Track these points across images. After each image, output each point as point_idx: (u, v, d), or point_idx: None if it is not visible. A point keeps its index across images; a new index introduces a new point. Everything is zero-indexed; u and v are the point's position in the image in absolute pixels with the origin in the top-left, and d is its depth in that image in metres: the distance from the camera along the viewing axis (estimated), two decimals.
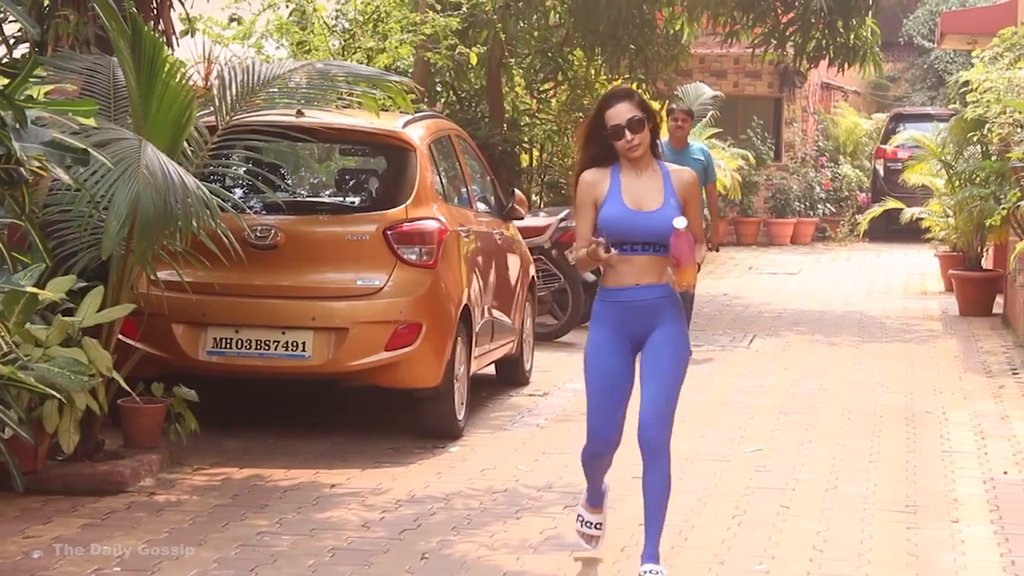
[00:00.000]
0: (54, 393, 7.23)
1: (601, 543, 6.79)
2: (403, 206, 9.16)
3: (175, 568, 6.46)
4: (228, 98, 8.62)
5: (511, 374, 11.44)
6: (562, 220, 13.85)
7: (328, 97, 8.97)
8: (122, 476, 7.86)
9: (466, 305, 9.42)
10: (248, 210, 8.93)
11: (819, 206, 28.31)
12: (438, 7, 15.96)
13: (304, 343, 8.86)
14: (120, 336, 8.20)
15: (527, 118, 19.38)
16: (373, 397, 9.92)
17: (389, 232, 9.03)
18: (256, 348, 8.88)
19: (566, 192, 18.65)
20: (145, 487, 7.90)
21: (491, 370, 11.17)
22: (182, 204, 7.59)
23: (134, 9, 8.11)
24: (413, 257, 9.03)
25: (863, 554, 6.98)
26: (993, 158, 16.62)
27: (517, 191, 11.34)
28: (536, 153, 19.79)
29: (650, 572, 6.25)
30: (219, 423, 9.17)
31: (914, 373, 12.68)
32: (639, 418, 6.29)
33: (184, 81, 8.03)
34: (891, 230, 25.57)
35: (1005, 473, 8.81)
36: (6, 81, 6.93)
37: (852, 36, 18.07)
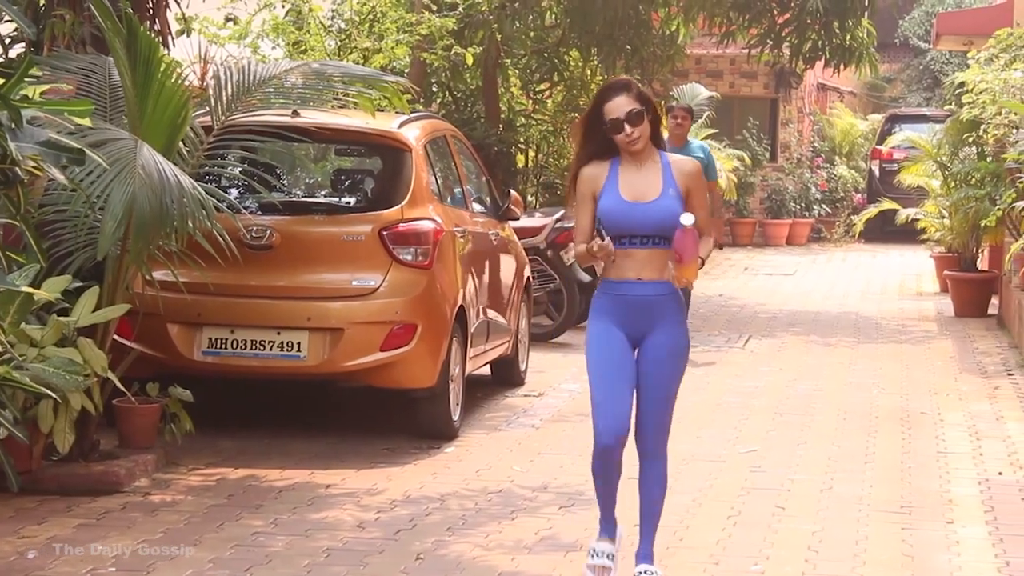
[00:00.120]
0: (49, 393, 7.23)
1: None
2: (399, 207, 9.15)
3: (170, 568, 6.46)
4: (224, 98, 8.63)
5: (506, 375, 11.43)
6: (558, 221, 13.85)
7: (324, 97, 8.96)
8: (117, 476, 7.85)
9: (461, 306, 9.42)
10: (244, 210, 8.93)
11: (815, 207, 28.30)
12: (434, 7, 15.98)
13: (299, 343, 8.85)
14: (115, 336, 8.20)
15: (523, 119, 19.38)
16: (368, 397, 9.92)
17: (385, 232, 9.03)
18: (251, 348, 8.87)
19: (562, 193, 18.64)
20: (140, 487, 7.89)
21: (486, 371, 11.16)
22: (178, 204, 7.58)
23: (130, 9, 8.11)
24: (409, 257, 9.02)
25: (858, 555, 6.98)
26: (989, 159, 16.65)
27: (513, 192, 11.33)
28: (532, 154, 19.77)
29: (645, 572, 6.24)
30: (214, 423, 9.16)
31: (909, 374, 12.67)
32: (636, 425, 6.22)
33: (180, 81, 8.03)
34: (887, 231, 25.58)
35: (1000, 474, 8.81)
36: (1, 81, 6.91)
37: (848, 37, 18.07)
